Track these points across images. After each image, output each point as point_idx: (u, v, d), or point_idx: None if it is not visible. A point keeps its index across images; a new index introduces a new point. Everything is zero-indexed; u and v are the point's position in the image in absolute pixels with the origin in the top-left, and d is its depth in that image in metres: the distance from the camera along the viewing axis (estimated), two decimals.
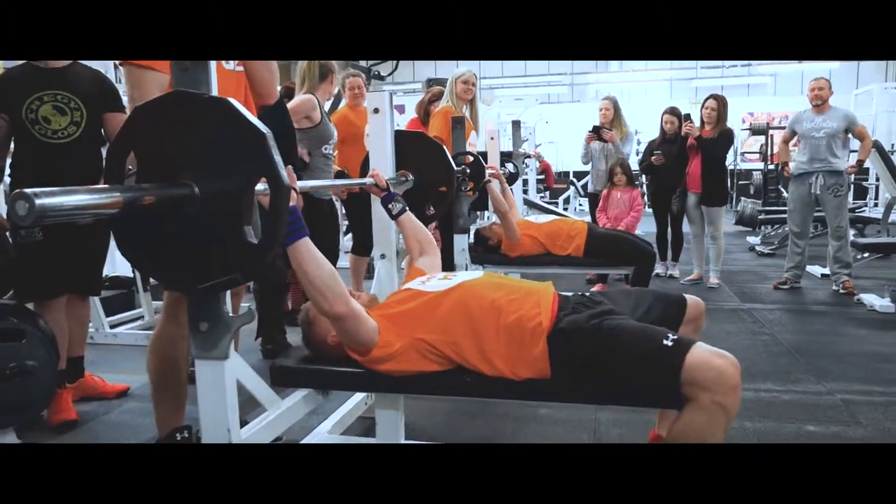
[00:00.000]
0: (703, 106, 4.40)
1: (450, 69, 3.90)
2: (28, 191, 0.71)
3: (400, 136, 2.09)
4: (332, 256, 2.85)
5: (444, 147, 2.22)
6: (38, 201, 0.71)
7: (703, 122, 4.40)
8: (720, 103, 4.33)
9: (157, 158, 1.01)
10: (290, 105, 2.58)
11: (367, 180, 1.81)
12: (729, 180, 4.59)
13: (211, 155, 0.97)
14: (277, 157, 0.96)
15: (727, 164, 4.90)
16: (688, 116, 4.57)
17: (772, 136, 8.48)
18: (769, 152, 8.24)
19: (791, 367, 2.68)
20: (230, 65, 1.66)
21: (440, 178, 2.15)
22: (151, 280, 1.59)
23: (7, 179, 2.21)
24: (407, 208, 1.83)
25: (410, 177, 2.08)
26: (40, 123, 2.08)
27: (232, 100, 0.97)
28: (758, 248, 6.14)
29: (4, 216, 2.12)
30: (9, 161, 2.14)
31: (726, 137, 4.34)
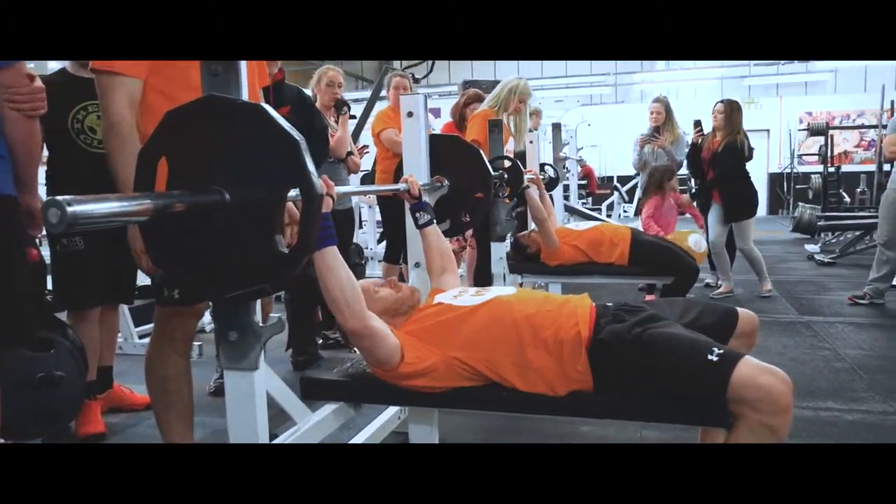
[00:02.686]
0: (712, 112, 4.17)
1: (487, 71, 3.80)
2: (60, 198, 0.71)
3: (435, 140, 2.04)
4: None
5: (482, 151, 2.15)
6: (69, 209, 0.71)
7: (713, 131, 4.16)
8: (730, 108, 4.05)
9: (188, 164, 0.99)
10: None
11: (401, 186, 1.77)
12: (754, 187, 4.23)
13: (243, 161, 0.96)
14: (311, 166, 0.93)
15: (771, 169, 4.58)
16: (698, 123, 4.35)
17: (832, 136, 8.05)
18: (829, 154, 7.81)
19: (854, 385, 2.49)
20: None
21: (477, 184, 2.09)
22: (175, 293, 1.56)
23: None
24: (434, 221, 1.79)
25: (446, 182, 2.03)
26: (86, 133, 2.09)
27: (266, 106, 0.94)
28: (817, 256, 5.80)
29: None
30: (43, 170, 2.16)
31: (729, 150, 4.03)
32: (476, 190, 2.10)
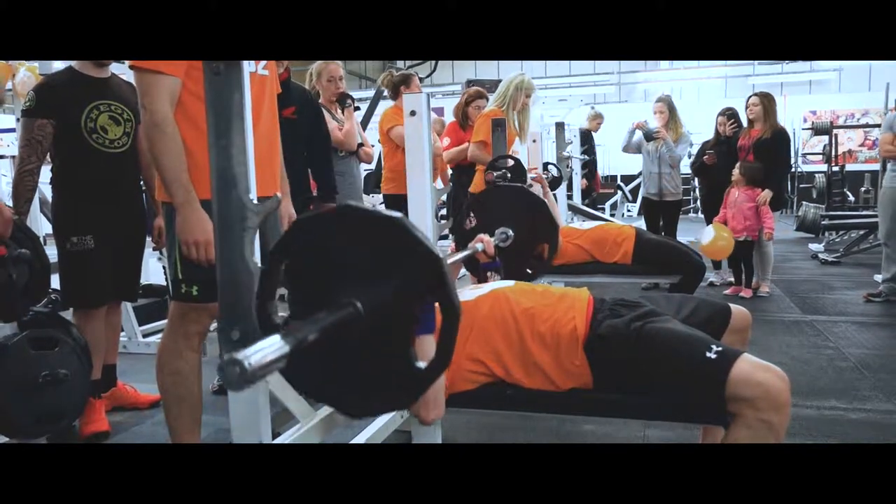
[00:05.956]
0: (746, 105, 4.18)
1: (490, 70, 3.80)
2: (237, 355, 0.70)
3: (500, 191, 2.12)
4: None
5: (547, 204, 2.15)
6: (249, 366, 0.70)
7: (750, 122, 4.16)
8: (766, 100, 4.08)
9: (313, 270, 0.95)
10: None
11: (478, 246, 1.77)
12: (789, 183, 4.29)
13: (376, 273, 0.90)
14: (452, 283, 0.89)
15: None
16: (732, 116, 4.36)
17: (836, 135, 8.03)
18: (833, 153, 7.79)
19: (858, 384, 2.48)
20: (255, 67, 1.57)
21: (540, 236, 2.09)
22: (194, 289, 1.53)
23: (46, 186, 2.21)
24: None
25: (511, 233, 2.03)
26: (98, 133, 2.09)
27: (405, 218, 0.91)
28: (821, 255, 5.79)
29: (38, 219, 2.11)
30: (48, 167, 2.15)
31: (782, 137, 4.06)
32: (539, 241, 2.08)
